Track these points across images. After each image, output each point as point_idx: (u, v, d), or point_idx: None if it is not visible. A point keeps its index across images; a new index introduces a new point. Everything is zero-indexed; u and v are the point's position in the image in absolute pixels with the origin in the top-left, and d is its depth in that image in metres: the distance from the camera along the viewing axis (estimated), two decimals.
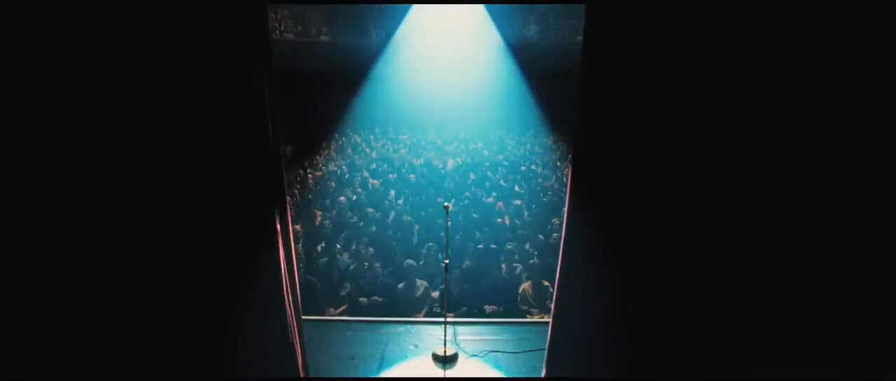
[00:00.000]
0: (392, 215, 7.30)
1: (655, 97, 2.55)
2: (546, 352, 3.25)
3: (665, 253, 2.70)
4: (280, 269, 2.82)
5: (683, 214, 2.65)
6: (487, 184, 9.06)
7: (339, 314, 4.84)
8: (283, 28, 13.30)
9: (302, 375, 3.15)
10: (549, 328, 3.20)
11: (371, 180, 9.25)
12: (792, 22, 2.39)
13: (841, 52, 2.39)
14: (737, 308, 2.68)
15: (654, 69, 2.53)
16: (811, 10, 2.36)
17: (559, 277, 3.05)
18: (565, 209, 2.98)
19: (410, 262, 5.15)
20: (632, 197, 2.71)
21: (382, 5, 13.46)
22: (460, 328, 4.23)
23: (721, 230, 2.64)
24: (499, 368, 3.74)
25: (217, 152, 2.55)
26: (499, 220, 6.92)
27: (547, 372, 3.27)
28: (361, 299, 4.90)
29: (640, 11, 2.48)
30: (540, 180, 9.57)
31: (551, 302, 4.83)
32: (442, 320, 3.98)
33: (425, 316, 4.73)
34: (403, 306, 4.83)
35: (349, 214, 7.33)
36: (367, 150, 12.40)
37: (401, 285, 4.98)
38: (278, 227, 2.80)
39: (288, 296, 2.93)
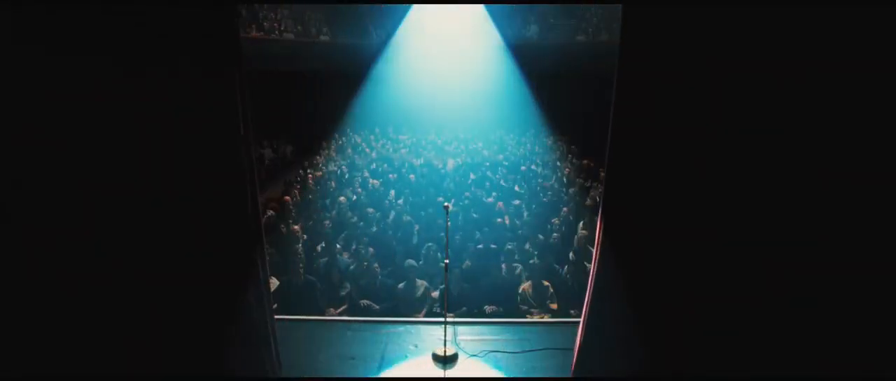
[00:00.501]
0: (392, 215, 7.30)
1: (694, 98, 2.53)
2: (576, 352, 3.24)
3: (706, 254, 2.68)
4: (250, 269, 2.82)
5: (725, 215, 2.62)
6: (487, 184, 9.06)
7: (339, 314, 4.84)
8: (283, 28, 13.31)
9: (276, 374, 3.16)
10: (581, 328, 3.18)
11: (371, 180, 9.25)
12: (795, 22, 2.38)
13: (841, 53, 2.39)
14: (737, 308, 2.68)
15: (691, 70, 2.51)
16: (815, 10, 2.35)
17: (593, 277, 3.03)
18: (599, 210, 2.97)
19: (411, 262, 5.14)
20: (668, 198, 2.69)
21: (382, 5, 13.46)
22: (460, 328, 4.23)
23: (727, 230, 2.64)
24: (499, 368, 3.73)
25: (192, 152, 2.55)
26: (499, 220, 6.92)
27: (575, 372, 3.25)
28: (362, 301, 4.90)
29: (678, 11, 2.47)
30: (540, 180, 9.56)
31: (551, 302, 4.85)
32: (442, 320, 3.98)
33: (425, 316, 4.73)
34: (403, 307, 4.83)
35: (349, 214, 7.33)
36: (367, 150, 12.40)
37: (401, 285, 4.98)
38: (250, 226, 2.80)
39: (259, 295, 2.92)
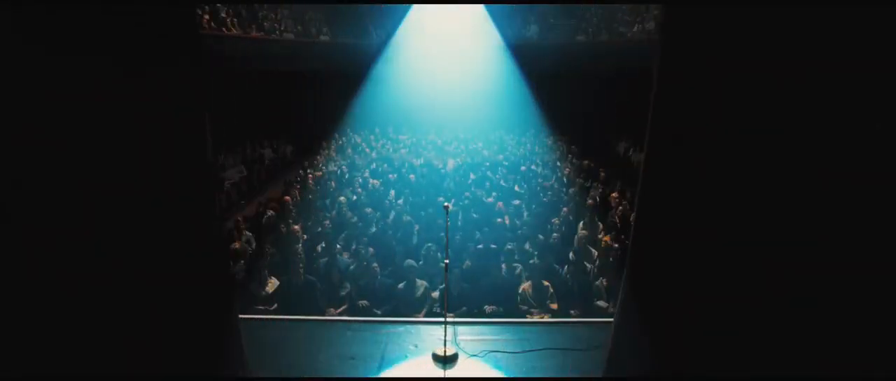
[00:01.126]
0: (392, 215, 7.30)
1: (736, 98, 2.51)
2: (608, 352, 3.22)
3: (744, 255, 2.65)
4: (211, 268, 2.83)
5: (767, 217, 2.60)
6: (487, 184, 9.07)
7: (339, 314, 4.85)
8: (283, 28, 13.31)
9: (244, 373, 3.17)
10: (613, 329, 3.17)
11: (371, 180, 9.25)
12: (800, 21, 2.37)
13: (842, 52, 2.38)
14: (737, 308, 2.68)
15: (732, 70, 2.48)
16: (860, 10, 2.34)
17: (627, 277, 3.02)
18: (634, 208, 2.95)
19: (410, 262, 5.15)
20: (705, 199, 2.66)
21: (382, 5, 13.48)
22: (460, 328, 4.23)
23: (724, 230, 2.64)
24: (499, 368, 3.73)
25: (159, 152, 2.55)
26: (499, 220, 6.92)
27: (606, 373, 3.24)
28: (361, 302, 4.90)
29: (721, 11, 2.45)
30: (540, 180, 9.57)
31: (551, 302, 4.85)
32: (442, 320, 3.98)
33: (425, 316, 4.73)
34: (403, 307, 4.84)
35: (349, 214, 7.33)
36: (367, 150, 12.41)
37: (401, 286, 4.98)
38: (208, 227, 2.81)
39: (221, 294, 2.94)
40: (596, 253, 5.82)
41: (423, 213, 7.27)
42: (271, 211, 7.38)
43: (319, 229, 6.76)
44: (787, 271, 2.60)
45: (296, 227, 6.35)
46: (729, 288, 2.69)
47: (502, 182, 9.27)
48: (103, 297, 2.57)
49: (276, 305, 4.95)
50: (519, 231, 6.67)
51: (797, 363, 2.66)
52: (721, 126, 2.57)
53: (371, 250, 5.61)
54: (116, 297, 2.58)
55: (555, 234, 6.42)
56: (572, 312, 4.90)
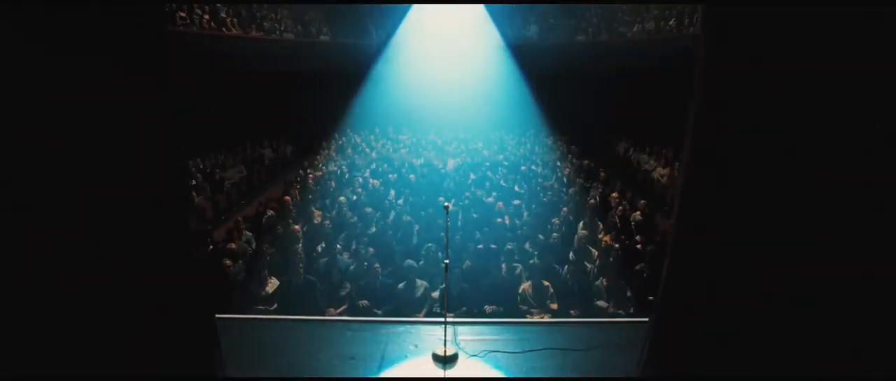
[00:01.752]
0: (392, 215, 7.31)
1: (781, 97, 2.49)
2: (645, 351, 3.21)
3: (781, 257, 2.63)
4: (185, 268, 2.85)
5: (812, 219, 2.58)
6: (487, 184, 9.07)
7: (339, 314, 4.85)
8: (283, 28, 13.31)
9: (223, 373, 3.17)
10: (651, 328, 3.16)
11: (371, 180, 9.26)
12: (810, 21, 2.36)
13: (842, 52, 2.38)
14: (738, 308, 2.67)
15: (776, 70, 2.47)
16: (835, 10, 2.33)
17: (666, 277, 3.00)
18: (675, 209, 2.94)
19: (410, 262, 5.14)
20: (747, 200, 2.65)
21: (382, 5, 13.48)
22: (460, 328, 4.23)
23: (720, 230, 2.63)
24: (499, 368, 3.73)
25: (131, 152, 2.56)
26: (499, 220, 6.92)
27: (642, 372, 3.22)
28: (361, 302, 4.90)
29: (761, 12, 2.44)
30: (540, 180, 9.58)
31: (551, 302, 4.85)
32: (442, 320, 3.98)
33: (425, 316, 4.73)
34: (403, 307, 4.84)
35: (349, 214, 7.33)
36: (367, 150, 12.41)
37: (401, 286, 4.98)
38: (181, 226, 2.82)
39: (196, 294, 2.95)
40: (596, 253, 5.83)
41: (423, 213, 7.27)
42: (271, 211, 7.38)
43: (319, 229, 6.76)
44: (814, 271, 2.60)
45: (296, 227, 6.35)
46: (765, 289, 2.67)
47: (502, 182, 9.28)
48: (91, 297, 2.57)
49: (276, 305, 4.95)
50: (519, 231, 6.68)
51: (798, 362, 2.66)
52: (762, 130, 2.55)
53: (371, 250, 5.61)
54: (102, 297, 2.58)
55: (555, 234, 6.42)
56: (572, 312, 4.90)
